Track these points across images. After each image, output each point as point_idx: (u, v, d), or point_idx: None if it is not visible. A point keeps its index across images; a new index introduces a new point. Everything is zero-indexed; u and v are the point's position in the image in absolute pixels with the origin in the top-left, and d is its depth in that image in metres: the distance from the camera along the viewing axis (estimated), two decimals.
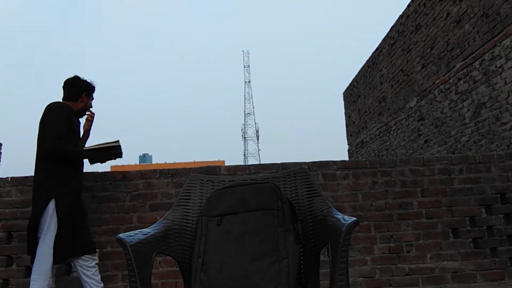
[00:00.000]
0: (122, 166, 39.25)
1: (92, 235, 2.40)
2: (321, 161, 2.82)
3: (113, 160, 2.41)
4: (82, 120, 2.48)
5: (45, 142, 2.15)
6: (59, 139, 2.15)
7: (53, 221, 2.10)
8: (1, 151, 8.65)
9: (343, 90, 12.47)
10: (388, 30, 8.54)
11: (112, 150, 2.33)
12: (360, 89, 10.71)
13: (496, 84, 5.02)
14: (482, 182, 2.81)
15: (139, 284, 1.11)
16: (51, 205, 2.11)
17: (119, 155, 2.38)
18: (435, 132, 6.70)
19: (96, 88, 2.49)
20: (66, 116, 2.25)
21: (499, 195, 2.79)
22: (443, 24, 6.24)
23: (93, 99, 2.49)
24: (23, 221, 2.63)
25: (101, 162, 2.39)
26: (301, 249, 1.39)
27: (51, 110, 2.24)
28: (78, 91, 2.39)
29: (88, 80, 2.45)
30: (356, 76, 11.01)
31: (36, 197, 2.17)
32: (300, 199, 1.50)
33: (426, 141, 7.05)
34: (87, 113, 2.45)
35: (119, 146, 2.33)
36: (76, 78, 2.41)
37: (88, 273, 2.19)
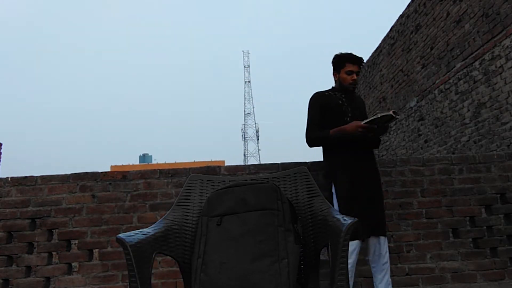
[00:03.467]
0: (122, 166, 39.24)
1: (381, 218, 2.24)
2: (321, 161, 2.81)
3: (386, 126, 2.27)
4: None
5: (305, 132, 2.35)
6: (310, 127, 2.31)
7: (336, 206, 2.18)
8: (1, 151, 8.65)
9: None
10: (388, 30, 8.54)
11: (385, 120, 2.13)
12: (360, 89, 10.71)
13: (496, 84, 5.02)
14: (482, 182, 2.81)
15: (139, 284, 1.11)
16: (333, 190, 2.23)
17: (393, 119, 2.14)
18: (435, 132, 6.70)
19: (347, 56, 2.35)
20: (316, 103, 2.35)
21: (499, 195, 2.79)
22: (443, 24, 6.24)
23: (348, 69, 2.34)
24: (23, 221, 2.63)
25: (378, 135, 2.29)
26: (301, 249, 1.39)
27: (309, 103, 2.41)
28: (333, 71, 2.46)
29: (336, 55, 2.41)
30: None
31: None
32: (300, 199, 1.50)
33: (426, 141, 7.05)
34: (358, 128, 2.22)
35: (391, 116, 2.07)
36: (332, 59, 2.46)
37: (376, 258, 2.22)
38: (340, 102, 2.35)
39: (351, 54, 2.37)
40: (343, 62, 2.38)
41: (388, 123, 2.23)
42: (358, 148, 2.29)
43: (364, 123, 2.13)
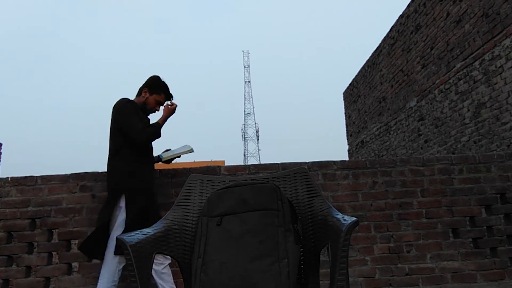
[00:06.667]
0: None
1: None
2: (321, 161, 2.82)
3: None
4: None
5: (132, 136, 2.22)
6: (143, 129, 2.24)
7: (123, 217, 2.14)
8: (1, 151, 8.65)
9: (343, 90, 12.47)
10: (388, 30, 8.54)
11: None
12: (360, 89, 10.71)
13: (496, 84, 5.02)
14: (482, 182, 2.81)
15: (139, 284, 1.11)
16: (122, 201, 2.16)
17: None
18: (435, 132, 6.70)
19: (166, 88, 2.45)
20: (134, 111, 2.30)
21: (499, 195, 2.79)
22: (443, 24, 6.24)
23: (159, 99, 2.43)
24: (23, 221, 2.63)
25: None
26: (301, 249, 1.39)
27: (120, 109, 2.29)
28: (142, 86, 2.46)
29: (159, 78, 2.45)
30: (356, 76, 11.01)
31: (108, 193, 2.24)
32: (300, 199, 1.50)
33: (426, 141, 7.05)
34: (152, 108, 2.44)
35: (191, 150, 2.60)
36: (150, 77, 2.48)
37: (159, 269, 2.23)
38: (146, 121, 2.38)
39: (168, 88, 2.46)
40: (160, 91, 2.43)
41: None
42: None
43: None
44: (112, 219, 2.16)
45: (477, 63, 5.41)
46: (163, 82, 2.46)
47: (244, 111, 62.87)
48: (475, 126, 5.52)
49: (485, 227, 2.73)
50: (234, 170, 2.77)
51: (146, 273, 1.17)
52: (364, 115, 10.42)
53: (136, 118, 2.25)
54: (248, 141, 61.73)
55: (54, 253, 2.66)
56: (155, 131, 2.31)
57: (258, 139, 61.31)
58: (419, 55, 7.11)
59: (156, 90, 2.42)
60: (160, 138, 2.37)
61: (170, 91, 2.47)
